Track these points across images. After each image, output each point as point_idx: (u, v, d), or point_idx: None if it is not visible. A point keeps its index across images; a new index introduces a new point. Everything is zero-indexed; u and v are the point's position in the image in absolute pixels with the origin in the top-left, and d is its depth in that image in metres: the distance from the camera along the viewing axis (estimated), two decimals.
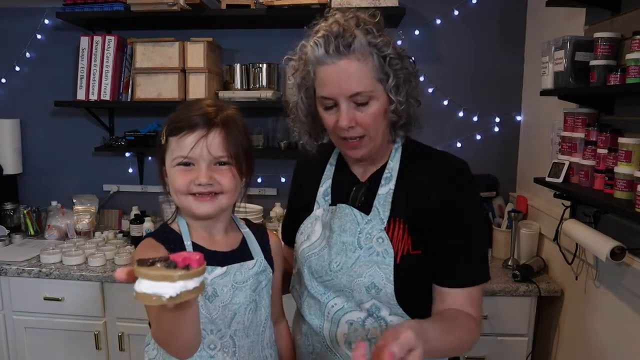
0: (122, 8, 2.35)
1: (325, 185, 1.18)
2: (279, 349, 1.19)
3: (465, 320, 1.02)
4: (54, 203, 2.67)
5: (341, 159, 1.19)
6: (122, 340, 2.16)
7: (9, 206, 2.66)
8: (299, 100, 1.10)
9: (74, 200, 2.67)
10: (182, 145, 0.98)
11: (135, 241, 2.35)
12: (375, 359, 0.78)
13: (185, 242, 1.02)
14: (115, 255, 2.22)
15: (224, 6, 2.33)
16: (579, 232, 1.66)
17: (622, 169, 1.40)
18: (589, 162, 1.60)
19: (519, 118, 2.51)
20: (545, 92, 1.77)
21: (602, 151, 1.51)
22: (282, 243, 1.29)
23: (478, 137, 2.54)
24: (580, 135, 1.67)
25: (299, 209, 1.22)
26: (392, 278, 1.03)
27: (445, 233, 1.05)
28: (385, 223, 1.06)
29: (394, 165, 1.11)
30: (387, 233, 1.05)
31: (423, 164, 1.11)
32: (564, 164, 1.73)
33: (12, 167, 2.69)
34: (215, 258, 1.03)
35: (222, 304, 1.01)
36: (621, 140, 1.42)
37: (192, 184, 0.98)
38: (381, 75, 1.01)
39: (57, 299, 2.16)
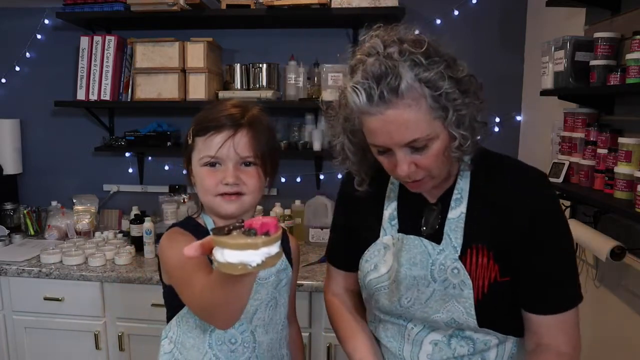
0: (122, 8, 2.35)
1: (390, 209, 1.05)
2: (290, 352, 1.20)
3: None
4: (54, 203, 2.67)
5: None
6: (122, 340, 2.15)
7: (9, 206, 2.65)
8: (345, 141, 0.99)
9: (74, 200, 2.67)
10: (210, 145, 1.00)
11: (135, 241, 2.35)
12: None
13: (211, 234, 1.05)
14: (115, 255, 2.22)
15: (224, 6, 2.33)
16: (579, 232, 1.66)
17: (622, 169, 1.40)
18: (589, 162, 1.60)
19: (519, 118, 2.51)
20: (545, 92, 1.77)
21: (602, 151, 1.51)
22: (337, 270, 1.19)
23: (478, 137, 2.53)
24: (580, 135, 1.67)
25: (359, 232, 1.10)
26: (473, 312, 0.94)
27: (537, 256, 0.95)
28: (459, 251, 0.96)
29: (463, 185, 0.99)
30: (464, 261, 0.95)
31: (499, 180, 0.98)
32: (564, 164, 1.73)
33: (12, 167, 2.69)
34: None
35: None
36: (621, 140, 1.42)
37: (220, 184, 1.01)
38: (438, 113, 0.87)
39: (57, 299, 2.16)
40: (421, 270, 0.98)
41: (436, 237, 0.99)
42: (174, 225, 1.10)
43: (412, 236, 1.01)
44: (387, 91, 0.83)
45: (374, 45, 0.87)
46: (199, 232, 1.05)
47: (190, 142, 1.04)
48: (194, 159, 1.04)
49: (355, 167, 1.03)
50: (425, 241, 0.99)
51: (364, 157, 1.01)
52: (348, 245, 1.13)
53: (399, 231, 1.03)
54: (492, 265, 0.95)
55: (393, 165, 0.92)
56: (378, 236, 1.06)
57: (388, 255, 1.03)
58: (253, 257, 0.66)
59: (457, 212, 0.98)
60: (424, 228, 1.01)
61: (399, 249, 1.01)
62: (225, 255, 0.66)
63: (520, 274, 0.96)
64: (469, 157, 0.97)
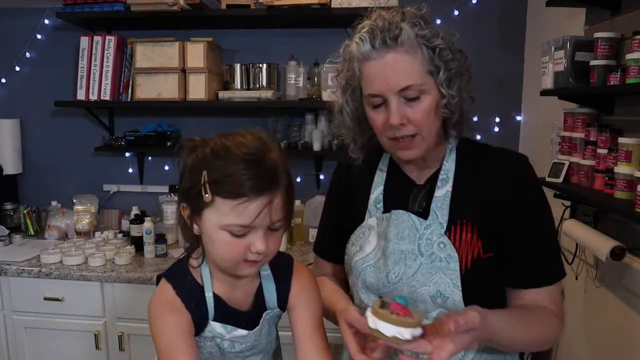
0: (122, 8, 2.36)
1: (377, 193, 1.10)
2: None
3: (545, 316, 0.98)
4: (54, 203, 2.67)
5: (392, 163, 1.12)
6: (122, 340, 2.16)
7: (9, 206, 2.65)
8: (344, 103, 1.05)
9: (74, 200, 2.67)
10: (242, 213, 0.84)
11: (135, 241, 2.35)
12: (439, 325, 0.84)
13: (206, 294, 0.97)
14: (115, 255, 2.22)
15: (224, 6, 2.33)
16: (579, 232, 1.66)
17: (622, 169, 1.40)
18: (589, 162, 1.60)
19: (519, 118, 2.51)
20: (545, 92, 1.77)
21: (602, 151, 1.51)
22: (325, 262, 1.22)
23: (478, 137, 2.54)
24: (580, 135, 1.67)
25: (345, 221, 1.14)
26: (459, 284, 0.97)
27: (519, 233, 0.99)
28: (445, 227, 1.00)
29: (449, 166, 1.05)
30: (450, 237, 0.99)
31: (483, 162, 1.04)
32: (564, 164, 1.73)
33: (12, 167, 2.69)
34: (236, 317, 0.99)
35: (236, 352, 1.01)
36: (621, 140, 1.42)
37: (248, 252, 0.88)
38: (431, 67, 0.95)
39: (57, 299, 2.16)
40: (409, 245, 1.02)
41: (423, 214, 1.03)
42: (165, 276, 0.99)
43: (400, 211, 1.05)
44: (389, 38, 0.93)
45: (380, 14, 0.98)
46: (192, 293, 0.95)
47: (207, 198, 0.85)
48: (210, 217, 0.87)
49: (351, 133, 1.08)
50: (413, 216, 1.03)
51: (360, 126, 1.07)
52: (336, 236, 1.16)
53: (384, 212, 1.08)
54: (475, 240, 0.99)
55: (385, 120, 0.97)
56: (363, 219, 1.10)
57: (372, 236, 1.07)
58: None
59: (443, 191, 1.03)
60: (412, 205, 1.06)
61: (387, 225, 1.05)
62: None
63: (506, 251, 0.99)
64: (454, 139, 1.06)
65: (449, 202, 1.02)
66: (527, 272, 1.00)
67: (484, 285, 0.99)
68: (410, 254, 1.01)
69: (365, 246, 1.08)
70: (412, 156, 1.00)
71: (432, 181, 1.05)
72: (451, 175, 1.04)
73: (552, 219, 1.06)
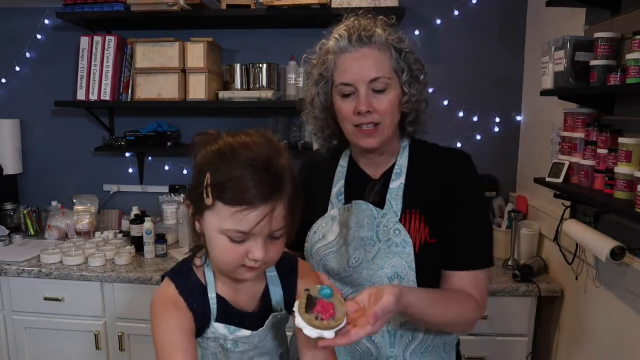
0: (122, 8, 2.36)
1: (338, 186, 1.21)
2: None
3: (462, 298, 1.06)
4: (54, 203, 2.67)
5: (352, 160, 1.23)
6: (122, 340, 2.16)
7: (9, 206, 2.66)
8: (316, 95, 1.15)
9: (74, 200, 2.67)
10: (241, 220, 0.83)
11: (135, 241, 2.35)
12: (356, 314, 0.87)
13: (209, 295, 0.96)
14: (115, 255, 2.22)
15: (224, 6, 2.33)
16: (579, 232, 1.66)
17: (622, 169, 1.40)
18: (589, 162, 1.60)
19: (519, 118, 2.51)
20: (545, 92, 1.77)
21: (602, 151, 1.51)
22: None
23: (478, 137, 2.54)
24: (580, 135, 1.67)
25: (308, 212, 1.14)
26: (413, 266, 1.08)
27: (453, 221, 1.10)
28: (399, 215, 1.11)
29: (402, 162, 1.17)
30: (403, 224, 1.10)
31: (430, 158, 1.17)
32: (564, 164, 1.73)
33: (12, 167, 2.69)
34: (239, 318, 0.99)
35: (240, 352, 1.00)
36: (621, 140, 1.42)
37: (246, 258, 0.87)
38: (397, 67, 1.09)
39: (57, 299, 2.16)
40: (367, 232, 1.12)
41: (379, 204, 1.14)
42: (169, 275, 0.98)
43: (360, 201, 1.16)
44: (364, 36, 1.07)
45: (356, 18, 1.12)
46: (194, 292, 0.95)
47: (208, 201, 0.85)
48: (210, 219, 0.87)
49: (320, 123, 1.19)
50: (371, 206, 1.14)
51: (328, 117, 1.18)
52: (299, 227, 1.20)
53: (345, 203, 1.18)
54: (423, 227, 1.11)
55: (353, 108, 1.08)
56: (326, 210, 1.20)
57: (335, 226, 1.17)
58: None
59: (397, 183, 1.15)
60: (367, 196, 1.16)
61: (348, 215, 1.16)
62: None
63: (444, 238, 1.10)
64: (408, 139, 1.20)
65: (402, 193, 1.13)
66: (455, 255, 1.10)
67: (432, 267, 1.11)
68: (369, 240, 1.12)
69: (328, 234, 1.17)
70: (372, 144, 1.11)
71: (387, 175, 1.17)
72: (404, 169, 1.16)
73: (485, 212, 1.18)
